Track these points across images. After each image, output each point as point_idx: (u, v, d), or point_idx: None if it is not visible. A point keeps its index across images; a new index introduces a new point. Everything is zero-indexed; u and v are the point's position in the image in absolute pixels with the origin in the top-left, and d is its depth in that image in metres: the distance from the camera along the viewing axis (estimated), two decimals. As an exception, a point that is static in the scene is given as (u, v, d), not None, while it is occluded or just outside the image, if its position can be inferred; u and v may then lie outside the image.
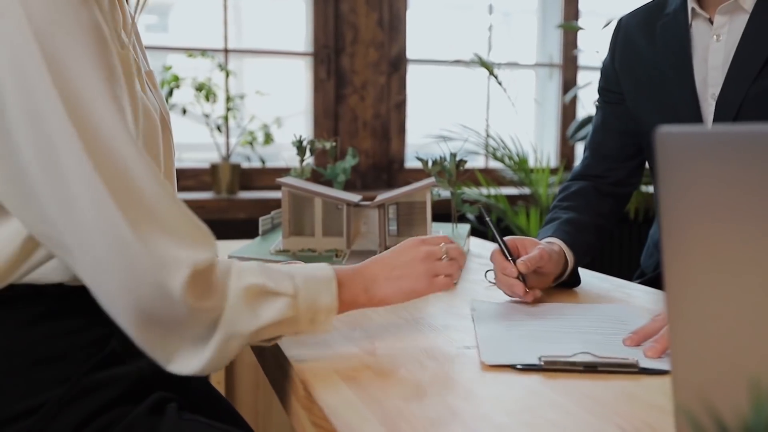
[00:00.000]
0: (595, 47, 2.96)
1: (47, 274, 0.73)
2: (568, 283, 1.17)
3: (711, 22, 1.21)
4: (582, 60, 3.13)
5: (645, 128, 1.31)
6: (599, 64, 2.92)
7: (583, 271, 1.33)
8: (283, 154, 2.91)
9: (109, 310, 0.67)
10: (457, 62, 2.88)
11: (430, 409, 0.63)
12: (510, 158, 2.59)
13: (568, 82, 3.11)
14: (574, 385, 0.69)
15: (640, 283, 1.34)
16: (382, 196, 1.34)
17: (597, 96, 1.44)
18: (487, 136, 2.74)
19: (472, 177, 2.68)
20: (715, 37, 1.20)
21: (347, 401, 0.65)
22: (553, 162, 2.81)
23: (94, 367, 0.75)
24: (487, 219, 1.09)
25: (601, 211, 1.30)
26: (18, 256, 0.71)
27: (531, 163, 2.68)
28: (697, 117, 1.21)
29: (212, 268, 0.68)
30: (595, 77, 3.01)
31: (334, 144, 1.53)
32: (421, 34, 2.94)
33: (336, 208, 1.33)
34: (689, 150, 0.48)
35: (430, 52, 2.98)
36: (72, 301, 0.75)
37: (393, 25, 2.81)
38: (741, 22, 1.17)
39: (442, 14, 3.09)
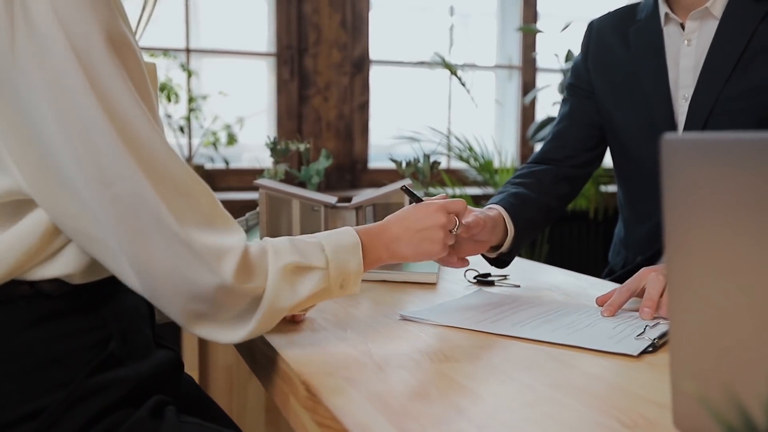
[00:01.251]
0: (553, 50, 3.02)
1: (46, 268, 0.74)
2: (500, 261, 1.19)
3: (683, 27, 1.27)
4: (540, 62, 3.19)
5: (618, 127, 1.35)
6: (558, 66, 3.00)
7: (557, 270, 1.37)
8: (246, 155, 2.90)
9: (152, 296, 0.71)
10: (421, 63, 2.91)
11: (435, 407, 0.65)
12: (475, 159, 2.63)
13: (528, 84, 3.17)
14: (569, 382, 0.72)
15: (611, 281, 1.39)
16: (359, 198, 1.35)
17: (565, 91, 1.47)
18: (448, 136, 2.77)
19: (437, 177, 2.71)
20: (686, 41, 1.26)
21: (353, 401, 0.66)
22: (513, 162, 2.86)
23: (94, 370, 0.75)
24: (410, 190, 1.06)
25: (553, 193, 1.32)
26: (38, 247, 0.72)
27: (495, 164, 2.73)
28: (669, 117, 1.26)
29: (248, 249, 0.74)
30: (554, 79, 3.09)
31: (308, 146, 1.54)
32: (383, 36, 2.96)
33: (312, 210, 1.34)
34: (693, 156, 0.51)
35: (393, 53, 3.00)
36: (70, 302, 0.75)
37: (356, 26, 2.83)
38: (711, 27, 1.23)
39: (404, 16, 3.11)
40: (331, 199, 1.36)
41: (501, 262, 1.21)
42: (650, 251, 1.35)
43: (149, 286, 0.70)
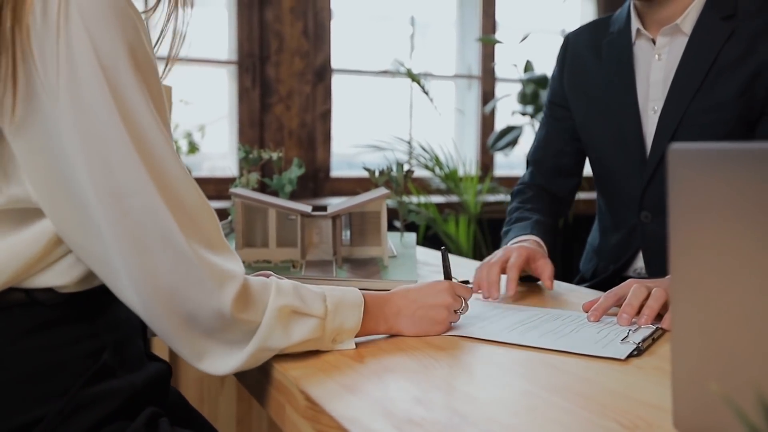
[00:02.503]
0: (511, 60, 3.07)
1: (41, 277, 0.73)
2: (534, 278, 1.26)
3: (653, 42, 1.31)
4: (499, 72, 3.24)
5: (592, 138, 1.40)
6: (516, 76, 3.05)
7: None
8: (206, 164, 2.86)
9: (149, 314, 0.70)
10: (384, 72, 2.93)
11: (438, 413, 0.65)
12: (440, 168, 2.65)
13: (487, 93, 3.21)
14: (565, 386, 0.73)
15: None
16: (335, 207, 1.35)
17: (544, 108, 1.54)
18: (410, 143, 2.79)
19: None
20: (657, 55, 1.30)
21: (356, 408, 0.66)
22: (476, 171, 2.89)
23: (88, 381, 0.74)
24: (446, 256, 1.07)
25: (553, 213, 1.45)
26: (39, 256, 0.72)
27: (460, 173, 2.76)
28: (638, 128, 1.30)
29: (249, 281, 0.74)
30: (513, 89, 3.13)
31: (280, 155, 1.53)
32: (345, 44, 2.97)
33: (288, 219, 1.34)
34: (698, 165, 0.52)
35: (354, 62, 3.01)
36: (64, 312, 0.74)
37: (318, 35, 2.83)
38: (681, 43, 1.27)
39: (365, 25, 3.13)
40: (307, 207, 1.36)
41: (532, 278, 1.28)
42: (622, 260, 1.38)
43: (147, 304, 0.69)
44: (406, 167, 1.56)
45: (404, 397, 0.70)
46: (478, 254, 2.69)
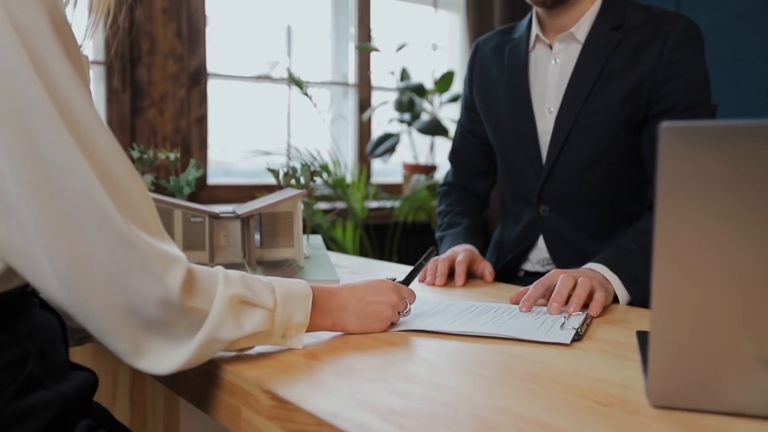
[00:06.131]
0: (386, 69, 3.12)
1: None
2: None
3: (551, 47, 1.39)
4: (374, 81, 3.27)
5: (496, 136, 1.47)
6: (393, 84, 3.09)
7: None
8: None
9: (81, 309, 0.62)
10: (264, 78, 2.87)
11: (417, 403, 0.64)
12: (329, 174, 2.63)
13: (364, 101, 3.23)
14: (525, 370, 0.74)
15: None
16: (245, 208, 1.30)
17: (460, 111, 1.63)
18: (298, 150, 2.75)
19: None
20: (553, 60, 1.38)
21: (332, 404, 0.63)
22: (357, 177, 2.90)
23: (16, 393, 0.65)
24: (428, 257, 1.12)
25: (479, 212, 1.56)
26: None
27: (348, 179, 2.76)
28: (534, 128, 1.38)
29: (193, 267, 0.68)
30: (390, 97, 3.18)
31: (177, 155, 1.45)
32: (220, 50, 2.88)
33: (193, 220, 1.27)
34: (689, 143, 0.55)
35: (231, 67, 2.93)
36: None
37: (192, 38, 2.72)
38: (575, 49, 1.37)
39: (240, 32, 3.05)
40: (214, 209, 1.29)
41: None
42: (518, 250, 1.45)
43: (80, 298, 0.62)
44: (301, 170, 1.53)
45: (378, 389, 0.67)
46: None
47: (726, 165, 0.54)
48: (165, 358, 0.67)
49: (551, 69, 1.38)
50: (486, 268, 1.31)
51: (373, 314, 0.87)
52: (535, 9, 1.41)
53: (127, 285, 0.62)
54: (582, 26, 1.35)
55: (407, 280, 1.01)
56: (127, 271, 0.62)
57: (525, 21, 1.45)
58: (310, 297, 0.79)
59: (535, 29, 1.40)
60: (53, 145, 0.60)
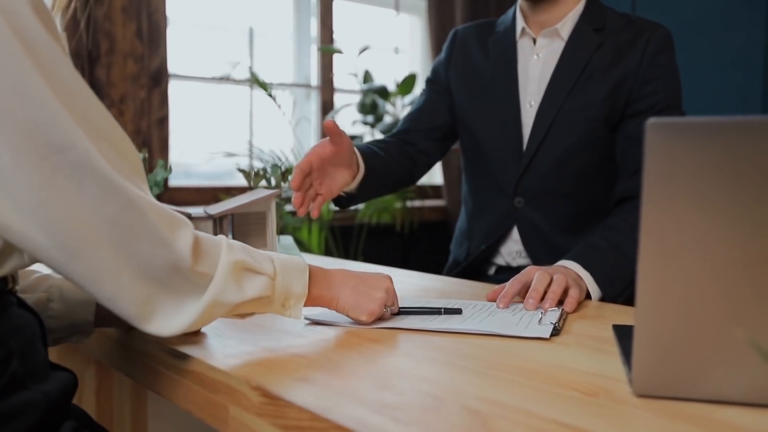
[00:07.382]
0: (348, 72, 3.12)
1: None
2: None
3: (534, 41, 1.42)
4: (337, 83, 3.28)
5: (473, 128, 1.48)
6: (356, 87, 3.10)
7: (403, 273, 1.42)
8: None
9: (89, 279, 0.64)
10: (226, 79, 2.85)
11: (408, 397, 0.64)
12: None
13: (326, 103, 3.23)
14: (508, 364, 0.75)
15: (456, 274, 1.48)
16: (218, 208, 1.29)
17: (425, 84, 1.59)
18: (251, 150, 2.73)
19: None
20: (536, 54, 1.42)
21: (324, 399, 0.63)
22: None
23: (0, 394, 0.64)
24: None
25: (399, 163, 1.43)
26: None
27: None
28: (517, 120, 1.39)
29: (198, 232, 0.71)
30: (353, 99, 3.18)
31: (145, 155, 1.43)
32: (181, 51, 2.85)
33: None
34: (675, 139, 0.57)
35: (192, 68, 2.90)
36: None
37: (153, 38, 2.69)
38: (558, 46, 1.40)
39: (202, 33, 3.02)
40: (186, 209, 1.28)
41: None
42: (492, 239, 1.46)
43: (87, 269, 0.63)
44: (271, 169, 1.53)
45: (367, 384, 0.68)
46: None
47: (712, 160, 0.56)
48: (172, 320, 0.69)
49: (533, 63, 1.42)
50: (334, 185, 1.17)
51: (366, 294, 0.89)
52: (519, 3, 1.45)
53: (139, 250, 0.65)
54: (566, 24, 1.39)
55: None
56: (138, 237, 0.64)
57: (509, 15, 1.48)
58: (307, 270, 0.82)
59: (520, 22, 1.43)
60: (51, 124, 0.61)
